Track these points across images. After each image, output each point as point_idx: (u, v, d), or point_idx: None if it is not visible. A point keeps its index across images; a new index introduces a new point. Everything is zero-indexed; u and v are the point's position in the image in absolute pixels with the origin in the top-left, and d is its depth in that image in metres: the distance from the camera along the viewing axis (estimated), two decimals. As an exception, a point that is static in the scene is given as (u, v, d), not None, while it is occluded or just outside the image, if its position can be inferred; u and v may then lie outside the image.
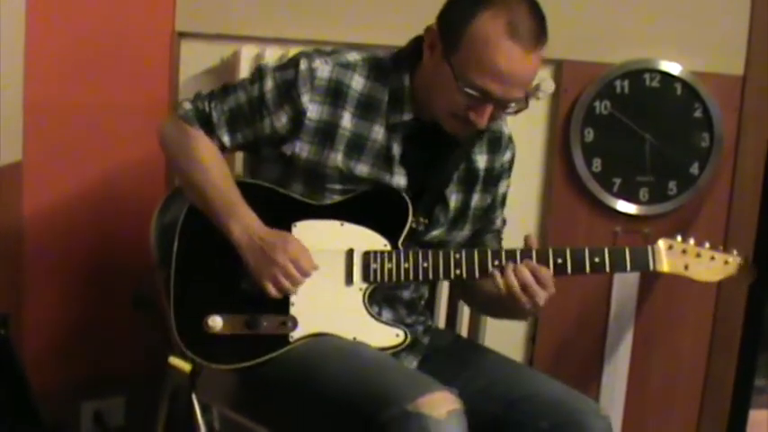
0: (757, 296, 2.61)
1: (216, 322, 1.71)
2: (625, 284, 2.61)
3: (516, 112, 1.73)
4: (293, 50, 2.22)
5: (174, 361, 1.75)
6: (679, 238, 1.78)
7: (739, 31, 2.51)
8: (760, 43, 2.51)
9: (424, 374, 1.65)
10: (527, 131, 2.51)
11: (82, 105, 2.25)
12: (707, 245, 1.78)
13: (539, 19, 1.65)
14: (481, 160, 1.88)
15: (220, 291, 1.74)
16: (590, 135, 2.52)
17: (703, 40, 2.51)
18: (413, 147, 1.78)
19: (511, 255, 1.73)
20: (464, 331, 2.43)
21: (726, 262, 1.77)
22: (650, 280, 2.62)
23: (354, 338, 1.73)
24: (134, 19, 2.29)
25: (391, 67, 1.77)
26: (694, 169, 2.56)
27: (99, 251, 2.34)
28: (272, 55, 2.24)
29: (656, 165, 2.54)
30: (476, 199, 1.89)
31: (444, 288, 2.33)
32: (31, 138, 2.21)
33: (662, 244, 1.77)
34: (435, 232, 1.85)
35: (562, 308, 2.61)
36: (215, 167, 1.77)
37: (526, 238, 1.75)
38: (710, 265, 1.77)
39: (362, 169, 1.76)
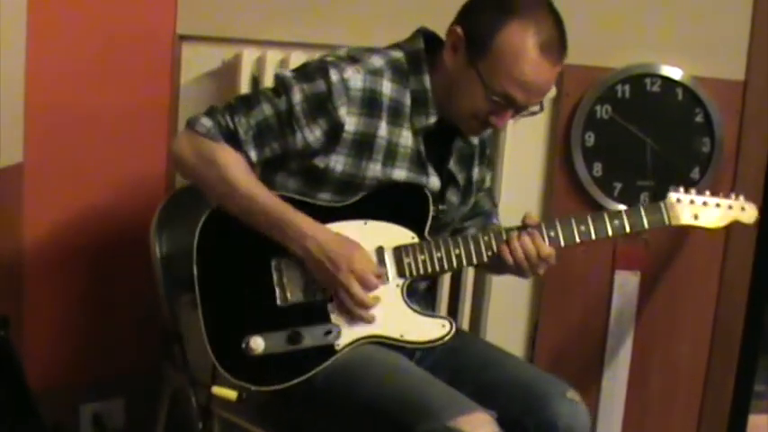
0: (757, 301, 2.61)
1: (258, 344, 1.66)
2: (625, 288, 2.61)
3: (531, 114, 1.76)
4: (295, 54, 2.23)
5: (218, 390, 1.68)
6: (682, 190, 1.84)
7: (740, 35, 2.51)
8: (761, 48, 2.51)
9: (463, 395, 1.62)
10: (528, 135, 2.51)
11: (83, 107, 2.25)
12: (707, 193, 1.85)
13: (562, 31, 1.69)
14: (474, 137, 1.90)
15: (255, 310, 1.70)
16: (591, 139, 2.52)
17: (704, 44, 2.51)
18: (433, 145, 1.79)
19: (537, 230, 1.75)
20: (465, 327, 2.44)
21: (729, 207, 1.85)
22: (651, 283, 2.62)
23: (401, 336, 1.71)
24: (135, 21, 2.28)
25: (408, 68, 1.76)
26: (695, 174, 2.56)
27: (99, 253, 2.34)
28: (273, 58, 2.24)
29: (656, 169, 2.54)
30: (476, 172, 1.92)
31: (445, 283, 2.34)
32: (32, 140, 2.20)
33: (672, 197, 1.83)
34: (451, 213, 1.86)
35: (562, 311, 2.61)
36: (252, 181, 1.71)
37: (526, 216, 1.78)
38: (717, 212, 1.85)
39: (400, 175, 1.75)
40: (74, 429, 2.40)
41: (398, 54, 1.78)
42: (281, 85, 1.73)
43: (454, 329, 1.73)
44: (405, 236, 1.74)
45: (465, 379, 1.70)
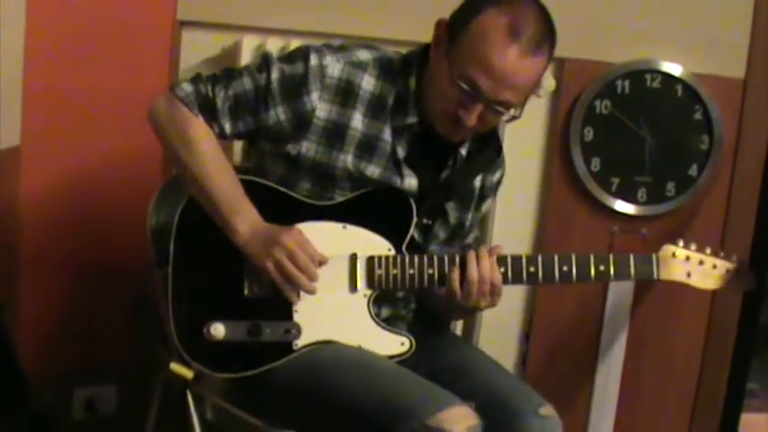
0: (752, 300, 2.61)
1: (218, 331, 1.68)
2: (621, 284, 2.60)
3: (508, 120, 1.70)
4: (295, 41, 2.23)
5: (176, 368, 1.71)
6: (681, 243, 1.76)
7: (741, 33, 2.51)
8: (761, 46, 2.51)
9: (440, 388, 1.61)
10: (526, 129, 2.50)
11: (81, 91, 2.24)
12: (708, 250, 1.77)
13: (544, 26, 1.63)
14: (477, 179, 1.86)
15: (221, 297, 1.71)
16: (589, 134, 2.52)
17: (705, 41, 2.51)
18: (419, 150, 1.76)
19: (516, 260, 1.72)
20: (458, 329, 2.43)
21: (727, 270, 1.75)
22: (646, 281, 2.62)
23: (360, 346, 1.71)
24: (136, 6, 2.28)
25: (399, 68, 1.74)
26: (693, 171, 2.55)
27: (96, 238, 2.34)
28: (273, 45, 2.24)
29: (655, 165, 2.54)
30: (470, 217, 1.89)
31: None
32: (29, 123, 2.20)
33: (667, 250, 1.75)
34: (432, 247, 1.83)
35: (557, 306, 2.61)
36: (216, 160, 1.72)
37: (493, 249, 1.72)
38: (712, 273, 1.76)
39: (373, 171, 1.73)
40: (66, 414, 2.40)
41: (394, 55, 1.77)
42: (264, 63, 1.74)
43: (413, 349, 1.72)
44: (381, 246, 1.72)
45: (440, 385, 1.65)
